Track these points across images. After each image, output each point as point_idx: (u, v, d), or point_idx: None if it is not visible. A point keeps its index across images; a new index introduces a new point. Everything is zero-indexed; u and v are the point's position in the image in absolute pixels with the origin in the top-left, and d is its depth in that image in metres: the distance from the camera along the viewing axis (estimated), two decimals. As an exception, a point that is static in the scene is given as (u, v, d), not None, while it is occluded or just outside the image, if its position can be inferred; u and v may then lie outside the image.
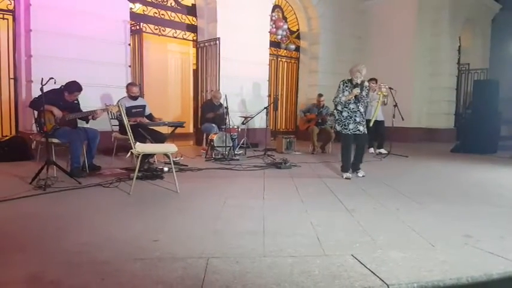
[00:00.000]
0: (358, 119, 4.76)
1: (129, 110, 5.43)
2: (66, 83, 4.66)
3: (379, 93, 4.87)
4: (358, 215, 3.17)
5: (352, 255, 2.26)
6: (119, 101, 5.60)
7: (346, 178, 4.77)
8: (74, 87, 4.66)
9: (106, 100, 6.17)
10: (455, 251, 2.42)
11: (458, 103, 12.40)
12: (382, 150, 7.69)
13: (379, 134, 7.70)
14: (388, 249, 2.39)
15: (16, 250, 2.25)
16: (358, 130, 4.78)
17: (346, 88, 4.75)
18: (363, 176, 4.86)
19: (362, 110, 4.80)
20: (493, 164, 6.65)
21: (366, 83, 4.83)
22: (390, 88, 5.87)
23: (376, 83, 7.57)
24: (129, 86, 5.75)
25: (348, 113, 4.75)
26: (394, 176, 5.22)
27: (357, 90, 4.66)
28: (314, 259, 2.20)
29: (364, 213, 3.27)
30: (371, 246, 2.45)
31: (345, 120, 4.75)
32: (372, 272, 2.03)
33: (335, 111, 4.94)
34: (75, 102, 4.83)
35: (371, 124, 5.20)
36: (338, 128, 4.87)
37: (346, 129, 4.76)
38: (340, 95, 4.74)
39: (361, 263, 2.14)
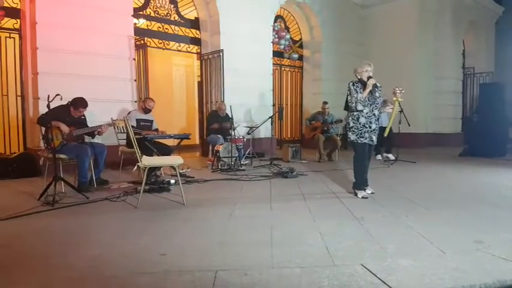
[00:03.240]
0: (373, 126, 4.24)
1: (137, 123, 5.50)
2: (73, 99, 4.73)
3: (394, 99, 4.38)
4: (367, 223, 3.14)
5: (361, 264, 2.23)
6: (129, 112, 5.67)
7: (363, 198, 4.17)
8: (79, 103, 4.72)
9: (112, 115, 6.22)
10: (466, 257, 2.38)
11: (464, 107, 12.31)
12: (390, 156, 7.65)
13: (386, 140, 7.65)
14: (398, 257, 2.35)
15: (25, 266, 2.26)
16: (372, 140, 4.26)
17: (358, 89, 4.22)
18: (372, 193, 4.32)
19: (377, 113, 4.30)
20: (502, 167, 6.57)
21: (378, 83, 4.28)
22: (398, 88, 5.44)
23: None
24: (147, 100, 5.81)
25: (365, 118, 4.21)
26: (402, 182, 5.18)
27: (372, 81, 4.12)
28: (323, 269, 2.17)
29: (373, 221, 3.23)
30: (381, 255, 2.41)
31: (362, 128, 4.21)
32: (382, 281, 2.00)
33: (350, 118, 4.34)
34: (82, 117, 4.88)
35: (386, 134, 4.69)
36: (353, 137, 4.26)
37: (363, 137, 4.22)
38: (355, 95, 4.20)
39: (371, 272, 2.11)
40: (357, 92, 4.22)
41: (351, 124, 4.30)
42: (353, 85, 4.27)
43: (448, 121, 11.62)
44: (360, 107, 4.22)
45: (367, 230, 2.95)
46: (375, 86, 4.21)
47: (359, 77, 4.30)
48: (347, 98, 4.43)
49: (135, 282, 2.04)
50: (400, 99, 4.28)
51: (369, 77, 4.21)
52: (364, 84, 4.24)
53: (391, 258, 2.35)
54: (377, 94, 4.27)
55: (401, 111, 7.18)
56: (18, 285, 2.02)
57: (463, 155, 8.36)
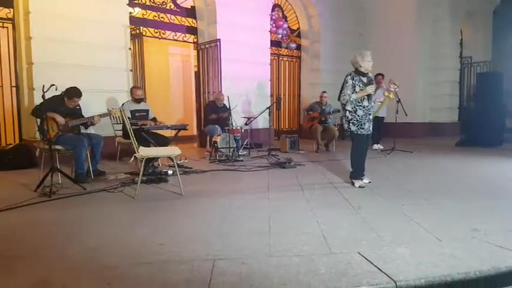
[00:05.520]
0: (370, 117, 4.27)
1: (132, 114, 5.46)
2: (66, 89, 4.69)
3: (386, 94, 4.38)
4: (364, 212, 3.16)
5: (358, 252, 2.25)
6: (123, 104, 5.62)
7: (359, 187, 4.18)
8: (72, 93, 4.69)
9: (108, 105, 6.19)
10: (462, 245, 2.40)
11: (461, 97, 12.32)
12: (379, 146, 7.73)
13: (376, 130, 7.74)
14: (395, 246, 2.37)
15: (22, 257, 2.26)
16: (370, 130, 4.30)
17: (356, 83, 4.16)
18: (369, 182, 4.32)
19: (372, 104, 4.32)
20: (498, 156, 6.59)
21: (371, 75, 4.31)
22: (394, 83, 5.62)
23: (383, 78, 7.54)
24: (133, 89, 5.78)
25: (363, 111, 4.20)
26: (399, 172, 5.20)
27: (372, 89, 4.12)
28: (320, 258, 2.19)
29: (369, 210, 3.25)
30: (378, 243, 2.43)
31: (361, 120, 4.19)
32: (379, 269, 2.02)
33: (347, 111, 4.28)
34: (77, 107, 4.85)
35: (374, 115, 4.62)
36: (353, 128, 4.23)
37: (363, 129, 4.22)
38: (349, 92, 4.14)
39: (368, 260, 2.13)
40: (353, 86, 4.15)
41: (350, 117, 4.26)
42: (352, 79, 4.19)
43: (445, 111, 11.63)
44: (349, 107, 4.20)
45: (364, 219, 2.97)
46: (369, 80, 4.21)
47: (356, 67, 4.24)
48: (342, 89, 4.34)
49: (134, 272, 2.04)
50: (391, 96, 4.30)
51: (369, 78, 4.23)
52: (361, 75, 4.22)
53: (387, 246, 2.37)
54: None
55: (398, 100, 7.19)
56: (17, 276, 2.02)
57: (459, 144, 8.39)
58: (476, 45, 13.22)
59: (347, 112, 4.29)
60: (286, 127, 11.16)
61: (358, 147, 4.32)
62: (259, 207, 3.38)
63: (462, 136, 8.96)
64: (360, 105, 4.21)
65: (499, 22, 14.07)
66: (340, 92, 4.32)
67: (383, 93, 4.49)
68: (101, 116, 4.83)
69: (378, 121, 7.42)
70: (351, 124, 4.27)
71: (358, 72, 4.24)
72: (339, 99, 4.40)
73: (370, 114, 4.28)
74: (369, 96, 4.24)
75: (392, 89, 4.27)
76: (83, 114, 4.90)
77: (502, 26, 14.18)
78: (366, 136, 4.32)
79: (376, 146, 7.80)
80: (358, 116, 4.22)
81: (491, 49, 13.75)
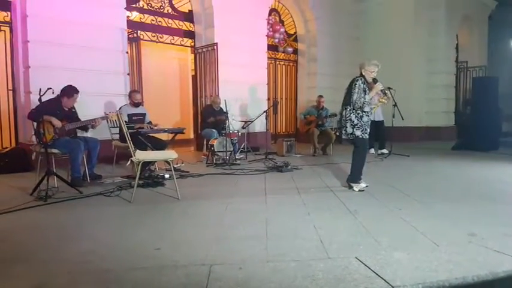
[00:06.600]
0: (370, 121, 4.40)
1: (130, 118, 5.46)
2: (62, 90, 4.66)
3: (381, 100, 4.42)
4: (360, 217, 3.15)
5: (356, 257, 2.25)
6: (120, 108, 5.61)
7: (359, 191, 4.21)
8: (71, 90, 4.68)
9: (105, 109, 6.17)
10: (459, 250, 2.40)
11: (457, 101, 12.40)
12: (384, 151, 7.71)
13: (380, 135, 7.76)
14: (392, 250, 2.37)
15: (18, 261, 2.24)
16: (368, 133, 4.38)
17: (366, 89, 4.19)
18: (366, 186, 4.30)
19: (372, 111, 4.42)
20: (495, 160, 6.63)
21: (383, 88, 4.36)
22: (389, 88, 5.77)
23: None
24: (132, 93, 5.76)
25: (368, 116, 4.26)
26: (395, 176, 5.21)
27: (380, 86, 4.21)
28: (317, 263, 2.18)
29: (366, 214, 3.24)
30: (375, 248, 2.43)
31: (365, 125, 4.24)
32: (376, 274, 2.02)
33: (352, 114, 4.23)
34: (73, 110, 4.83)
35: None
36: (358, 133, 4.22)
37: (367, 133, 4.27)
38: (363, 95, 4.15)
39: (365, 265, 2.13)
40: (366, 92, 4.18)
41: (355, 122, 4.24)
42: (363, 83, 4.20)
43: (442, 115, 11.70)
44: (367, 108, 4.22)
45: (361, 223, 2.96)
46: (382, 91, 4.26)
47: (363, 74, 4.26)
48: (350, 94, 4.25)
49: (130, 276, 2.03)
50: (385, 102, 4.37)
51: (375, 79, 4.25)
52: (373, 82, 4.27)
53: (385, 251, 2.37)
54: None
55: (395, 104, 7.21)
56: (14, 279, 2.01)
57: (456, 148, 8.43)
58: (472, 50, 13.33)
59: (353, 116, 4.24)
60: (283, 131, 11.17)
61: (362, 152, 4.36)
62: (256, 211, 3.37)
63: (458, 140, 9.00)
64: (365, 112, 4.23)
65: (495, 27, 14.21)
66: (348, 96, 4.26)
67: (377, 100, 4.50)
68: (101, 118, 4.82)
69: (376, 125, 7.44)
70: (355, 129, 4.24)
71: (365, 78, 4.28)
72: (345, 104, 4.32)
73: (370, 120, 4.33)
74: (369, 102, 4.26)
75: (387, 94, 4.30)
76: (79, 117, 4.88)
77: (497, 31, 14.32)
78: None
79: (372, 150, 7.82)
80: (364, 122, 4.25)
81: (487, 54, 13.86)
